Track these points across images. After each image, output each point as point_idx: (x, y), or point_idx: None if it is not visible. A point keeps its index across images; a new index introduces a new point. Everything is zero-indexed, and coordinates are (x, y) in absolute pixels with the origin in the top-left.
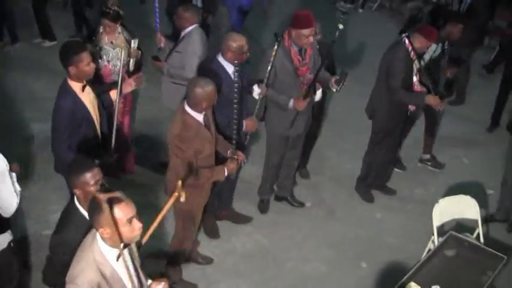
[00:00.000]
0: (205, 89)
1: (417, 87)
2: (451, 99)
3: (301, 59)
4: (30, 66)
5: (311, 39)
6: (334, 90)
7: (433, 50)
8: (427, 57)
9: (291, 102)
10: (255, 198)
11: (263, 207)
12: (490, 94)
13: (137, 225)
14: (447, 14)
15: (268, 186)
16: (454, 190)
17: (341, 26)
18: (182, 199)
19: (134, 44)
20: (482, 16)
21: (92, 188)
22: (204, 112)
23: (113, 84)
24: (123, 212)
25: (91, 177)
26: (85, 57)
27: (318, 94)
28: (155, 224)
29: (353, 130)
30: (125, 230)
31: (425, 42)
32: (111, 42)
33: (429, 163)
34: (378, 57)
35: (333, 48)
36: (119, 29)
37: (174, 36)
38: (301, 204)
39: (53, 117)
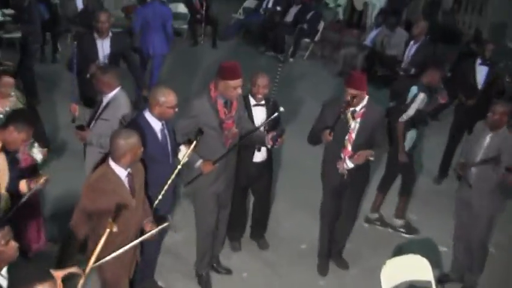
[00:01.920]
0: (128, 140)
1: (348, 150)
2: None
3: (227, 112)
4: None
5: (239, 91)
6: (269, 147)
7: (421, 100)
8: (411, 111)
9: (199, 163)
10: (184, 270)
11: (206, 283)
12: (434, 143)
13: None
14: (384, 58)
15: (207, 258)
16: (403, 249)
17: (281, 109)
18: (115, 229)
19: (35, 153)
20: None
21: (2, 248)
22: (129, 169)
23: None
24: None
25: (1, 237)
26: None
27: (261, 153)
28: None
29: (292, 187)
30: None
31: (358, 93)
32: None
33: (403, 230)
34: (313, 107)
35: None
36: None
37: (84, 98)
38: (228, 271)
39: None
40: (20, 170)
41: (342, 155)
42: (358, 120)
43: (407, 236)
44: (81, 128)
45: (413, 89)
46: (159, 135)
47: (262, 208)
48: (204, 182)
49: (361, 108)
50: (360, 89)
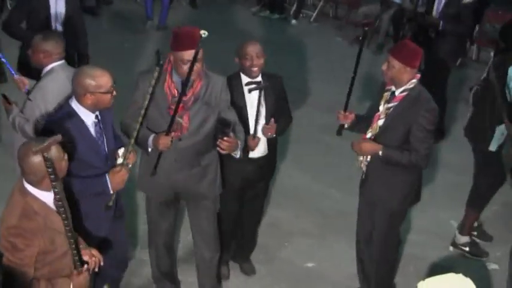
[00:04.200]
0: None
1: (365, 137)
2: None
3: (176, 94)
4: None
5: (197, 66)
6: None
7: None
8: None
9: (151, 138)
10: None
11: None
12: None
13: None
14: (416, 19)
15: (157, 271)
16: (441, 267)
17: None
18: None
19: None
20: (466, 21)
21: None
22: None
23: None
24: None
25: None
26: None
27: (260, 147)
28: None
29: (295, 189)
30: None
31: (400, 67)
32: None
33: (466, 249)
34: (322, 86)
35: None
36: None
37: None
38: None
39: None
40: None
41: None
42: (393, 105)
43: (471, 257)
44: (6, 97)
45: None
46: (92, 131)
47: (252, 220)
48: (146, 188)
49: (402, 91)
50: (405, 63)
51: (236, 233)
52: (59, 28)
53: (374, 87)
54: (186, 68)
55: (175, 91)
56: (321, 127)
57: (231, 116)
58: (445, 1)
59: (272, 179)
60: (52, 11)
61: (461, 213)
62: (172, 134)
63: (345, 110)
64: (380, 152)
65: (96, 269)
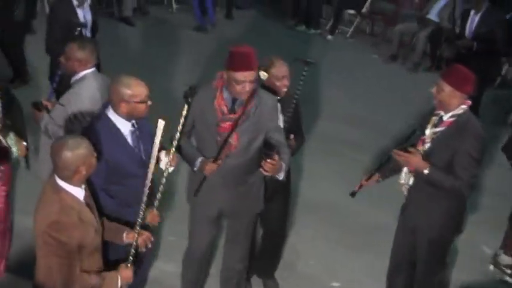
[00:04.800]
0: (78, 151)
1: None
2: None
3: (226, 111)
4: None
5: (247, 87)
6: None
7: None
8: None
9: (198, 161)
10: None
11: None
12: None
13: None
14: (453, 38)
15: (188, 285)
16: None
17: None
18: None
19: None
20: (501, 40)
21: None
22: (84, 185)
23: None
24: None
25: None
26: None
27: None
28: None
29: (315, 207)
30: None
31: (450, 91)
32: None
33: (509, 271)
34: (357, 104)
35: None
36: None
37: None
38: None
39: None
40: None
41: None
42: (440, 130)
43: (510, 280)
44: (37, 106)
45: None
46: (129, 139)
47: (274, 237)
48: (193, 201)
49: (450, 117)
50: (456, 87)
51: (253, 250)
52: (88, 34)
53: (407, 106)
54: (238, 87)
55: (226, 108)
56: (350, 142)
57: (278, 137)
58: (477, 21)
59: (296, 194)
60: (82, 20)
61: (493, 237)
62: (220, 162)
63: (368, 179)
64: (426, 170)
65: (149, 245)
